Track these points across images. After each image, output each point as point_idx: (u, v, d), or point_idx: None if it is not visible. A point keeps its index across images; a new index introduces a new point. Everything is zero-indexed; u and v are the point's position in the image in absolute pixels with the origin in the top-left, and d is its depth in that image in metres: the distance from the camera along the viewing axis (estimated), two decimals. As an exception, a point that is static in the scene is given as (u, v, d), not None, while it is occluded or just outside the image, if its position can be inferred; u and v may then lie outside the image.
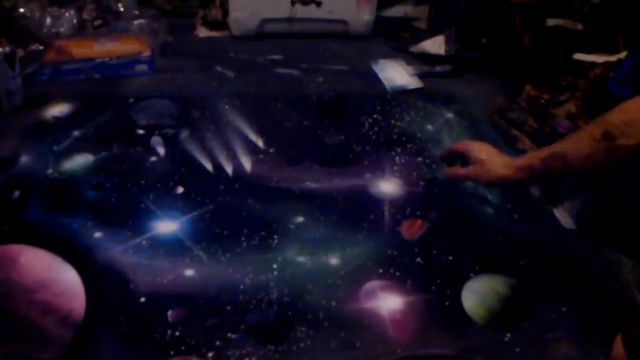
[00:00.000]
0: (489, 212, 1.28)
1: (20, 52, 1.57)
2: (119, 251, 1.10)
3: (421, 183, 1.34)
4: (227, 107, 1.55)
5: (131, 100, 1.55)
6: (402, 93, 1.72)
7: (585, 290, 1.09)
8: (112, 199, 1.23)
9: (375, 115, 1.56)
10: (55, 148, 1.35)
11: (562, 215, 1.28)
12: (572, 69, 1.52)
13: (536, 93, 1.53)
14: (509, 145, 1.50)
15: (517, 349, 0.97)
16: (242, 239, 1.15)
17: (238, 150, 1.40)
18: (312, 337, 0.96)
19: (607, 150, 0.97)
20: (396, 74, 1.83)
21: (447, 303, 1.05)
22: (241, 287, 1.04)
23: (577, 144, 1.01)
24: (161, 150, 1.38)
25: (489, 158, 1.18)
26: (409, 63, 1.92)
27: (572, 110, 1.44)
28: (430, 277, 1.09)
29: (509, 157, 1.17)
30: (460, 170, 1.25)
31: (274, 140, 1.44)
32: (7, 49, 1.46)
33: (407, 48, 2.02)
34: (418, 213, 1.25)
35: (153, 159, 1.36)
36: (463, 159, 1.25)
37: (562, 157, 1.02)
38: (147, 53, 1.80)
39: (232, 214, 1.21)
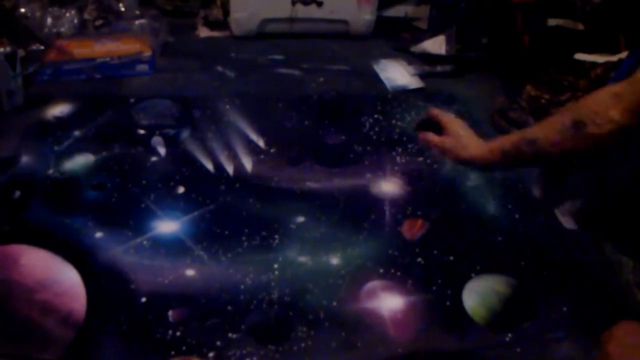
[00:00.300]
0: (490, 212, 1.28)
1: (21, 52, 1.57)
2: (120, 251, 1.10)
3: (422, 183, 1.34)
4: (227, 107, 1.55)
5: (132, 100, 1.55)
6: (403, 93, 1.72)
7: (586, 290, 1.09)
8: (113, 199, 1.23)
9: (376, 115, 1.56)
10: (56, 148, 1.35)
11: (563, 216, 1.28)
12: (573, 69, 1.52)
13: (537, 93, 1.53)
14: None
15: (518, 349, 0.97)
16: (243, 239, 1.15)
17: (239, 150, 1.40)
18: (313, 337, 0.96)
19: (577, 138, 0.98)
20: (397, 74, 1.83)
21: (448, 303, 1.05)
22: (242, 287, 1.04)
23: (548, 130, 1.01)
24: (162, 150, 1.38)
25: (466, 136, 1.14)
26: (409, 63, 1.92)
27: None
28: (431, 277, 1.09)
29: (482, 140, 1.13)
30: (435, 138, 1.17)
31: (275, 140, 1.44)
32: (8, 49, 1.46)
33: (408, 48, 2.02)
34: (419, 213, 1.25)
35: (154, 159, 1.36)
36: (438, 129, 1.18)
37: (533, 142, 1.02)
38: (148, 53, 1.80)
39: (233, 214, 1.21)
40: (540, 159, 1.10)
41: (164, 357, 0.91)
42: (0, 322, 0.93)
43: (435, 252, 1.15)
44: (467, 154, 1.12)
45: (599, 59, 1.50)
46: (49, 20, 1.88)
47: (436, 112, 1.21)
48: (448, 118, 1.19)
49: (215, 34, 2.13)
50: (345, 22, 2.10)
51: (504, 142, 1.08)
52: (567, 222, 1.27)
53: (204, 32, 2.14)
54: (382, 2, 2.15)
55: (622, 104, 0.95)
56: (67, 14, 1.91)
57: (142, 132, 1.44)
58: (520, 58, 1.78)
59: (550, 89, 1.53)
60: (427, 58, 1.95)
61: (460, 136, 1.14)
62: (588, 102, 0.99)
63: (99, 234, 1.13)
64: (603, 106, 0.96)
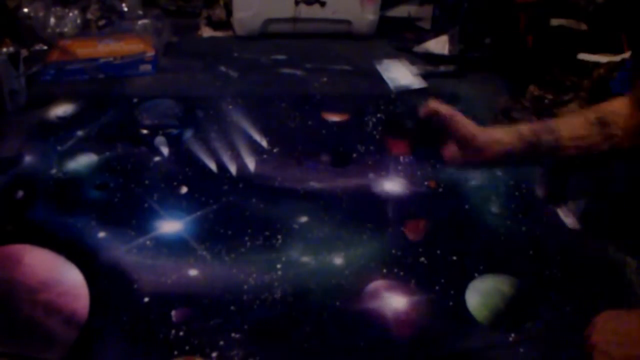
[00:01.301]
0: (493, 212, 1.28)
1: (24, 52, 1.57)
2: (123, 251, 1.10)
3: (425, 183, 1.34)
4: (230, 107, 1.55)
5: (135, 100, 1.55)
6: (406, 93, 1.72)
7: (590, 290, 1.09)
8: (115, 199, 1.23)
9: (379, 115, 1.56)
10: (59, 148, 1.35)
11: (566, 216, 1.28)
12: (576, 69, 1.52)
13: (540, 93, 1.53)
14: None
15: (521, 349, 0.97)
16: (246, 238, 1.15)
17: (242, 150, 1.40)
18: (316, 337, 0.96)
19: (600, 135, 0.97)
20: (400, 74, 1.83)
21: (451, 303, 1.04)
22: (245, 287, 1.04)
23: (571, 123, 0.98)
24: (165, 150, 1.38)
25: (481, 134, 0.94)
26: (412, 63, 1.92)
27: (576, 110, 1.44)
28: (435, 277, 1.09)
29: (491, 131, 0.94)
30: (459, 156, 0.94)
31: (278, 140, 1.44)
32: (11, 48, 1.46)
33: (411, 48, 2.02)
34: (422, 213, 1.25)
35: (157, 159, 1.36)
36: (431, 129, 0.94)
37: (553, 130, 0.94)
38: (151, 53, 1.80)
39: (236, 214, 1.21)
40: (557, 150, 0.97)
41: (166, 357, 0.91)
42: (3, 322, 0.93)
43: (438, 252, 1.15)
44: (491, 154, 0.93)
45: (602, 59, 1.49)
46: (52, 20, 1.89)
47: (433, 108, 0.93)
48: (451, 115, 0.94)
49: (218, 34, 2.13)
50: (348, 22, 2.10)
51: (521, 128, 0.93)
52: (570, 222, 1.26)
53: (206, 32, 2.14)
54: (385, 2, 2.15)
55: None
56: (70, 14, 1.91)
57: (145, 132, 1.44)
58: (524, 58, 1.78)
59: (553, 89, 1.52)
60: (430, 58, 1.95)
61: (475, 136, 0.94)
62: (609, 106, 0.99)
63: (101, 234, 1.13)
64: (623, 110, 0.97)
